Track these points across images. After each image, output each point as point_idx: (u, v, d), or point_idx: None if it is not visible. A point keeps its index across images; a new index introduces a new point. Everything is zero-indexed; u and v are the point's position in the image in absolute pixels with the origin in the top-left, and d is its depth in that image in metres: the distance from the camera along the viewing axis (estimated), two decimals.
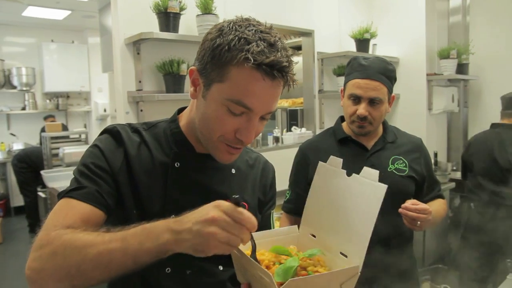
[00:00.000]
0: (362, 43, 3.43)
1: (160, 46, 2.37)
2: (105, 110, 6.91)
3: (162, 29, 2.27)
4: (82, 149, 4.43)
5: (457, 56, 3.70)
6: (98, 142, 0.95)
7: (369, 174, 0.82)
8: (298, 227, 0.98)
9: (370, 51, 3.52)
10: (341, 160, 0.93)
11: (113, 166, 0.91)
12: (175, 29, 2.27)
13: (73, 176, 0.91)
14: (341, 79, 3.40)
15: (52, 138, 4.95)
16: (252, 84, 0.81)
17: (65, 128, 6.03)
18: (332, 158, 0.94)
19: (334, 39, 3.56)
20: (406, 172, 1.55)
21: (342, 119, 1.69)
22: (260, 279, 0.72)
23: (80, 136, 5.43)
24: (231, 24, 0.84)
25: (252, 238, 0.75)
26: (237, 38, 0.81)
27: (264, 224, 1.12)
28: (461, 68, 3.83)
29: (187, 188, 0.94)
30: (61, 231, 0.76)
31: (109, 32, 4.67)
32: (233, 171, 1.03)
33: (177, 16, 2.26)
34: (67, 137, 5.34)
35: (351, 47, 3.52)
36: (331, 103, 3.56)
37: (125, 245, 0.72)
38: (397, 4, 3.73)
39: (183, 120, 1.00)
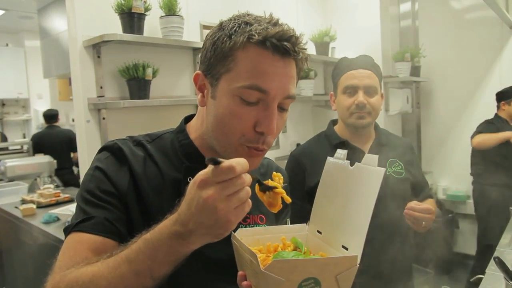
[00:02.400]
0: (322, 46, 3.45)
1: (123, 49, 2.21)
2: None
3: (125, 31, 2.11)
4: (26, 161, 4.08)
5: (411, 59, 3.82)
6: (98, 163, 0.85)
7: (370, 159, 0.78)
8: None
9: (329, 55, 3.54)
10: (346, 151, 0.90)
11: (119, 188, 0.82)
12: (139, 31, 2.13)
13: (76, 204, 0.83)
14: (303, 82, 3.39)
15: None
16: (261, 63, 0.74)
17: (4, 138, 5.55)
18: (338, 151, 0.91)
19: None
20: (403, 175, 1.56)
21: (333, 123, 1.65)
22: (250, 263, 0.67)
23: (22, 147, 5.01)
24: (229, 18, 0.82)
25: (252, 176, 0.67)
26: (237, 24, 0.77)
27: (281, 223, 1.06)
28: (414, 70, 3.97)
29: None
30: (66, 271, 0.69)
31: (51, 34, 4.40)
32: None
33: (142, 17, 2.12)
34: (6, 148, 4.91)
35: (311, 50, 3.52)
36: (293, 106, 3.51)
37: (135, 266, 0.65)
38: (353, 8, 3.79)
39: (192, 131, 0.91)
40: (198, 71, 0.83)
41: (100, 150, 0.88)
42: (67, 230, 0.79)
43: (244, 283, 0.70)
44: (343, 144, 1.58)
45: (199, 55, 0.87)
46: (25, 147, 5.17)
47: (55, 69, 4.30)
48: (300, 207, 1.37)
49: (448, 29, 4.17)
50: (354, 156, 1.54)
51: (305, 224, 0.92)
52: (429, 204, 1.63)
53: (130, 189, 0.82)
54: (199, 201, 0.60)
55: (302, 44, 0.78)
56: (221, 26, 0.80)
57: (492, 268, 1.73)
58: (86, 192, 0.81)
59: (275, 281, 0.62)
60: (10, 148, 5.00)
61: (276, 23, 0.77)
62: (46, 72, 4.46)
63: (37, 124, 6.59)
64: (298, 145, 3.43)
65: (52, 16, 4.45)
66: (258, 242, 0.81)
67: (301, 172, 1.56)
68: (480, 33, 4.00)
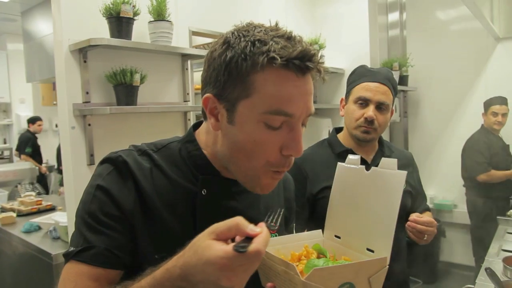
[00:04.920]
0: None
1: (110, 54, 2.15)
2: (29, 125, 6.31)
3: (113, 35, 2.06)
4: (7, 167, 3.96)
5: (399, 68, 3.85)
6: (100, 180, 0.78)
7: (388, 164, 0.81)
8: None
9: None
10: (359, 156, 0.92)
11: (124, 209, 0.76)
12: (128, 35, 2.07)
13: (75, 228, 0.78)
14: None
15: None
16: (286, 86, 0.70)
17: None
18: (350, 157, 0.92)
19: None
20: (404, 187, 1.53)
21: (337, 131, 1.62)
22: (284, 274, 0.68)
23: (2, 153, 4.87)
24: (235, 33, 0.74)
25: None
26: (250, 43, 0.71)
27: (287, 229, 1.04)
28: (402, 79, 3.99)
29: (218, 217, 0.76)
30: None
31: (35, 38, 4.31)
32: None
33: (130, 21, 2.07)
34: None
35: None
36: None
37: None
38: (342, 17, 3.80)
39: (203, 144, 0.84)
40: (208, 95, 0.75)
41: (102, 162, 0.81)
42: (67, 257, 0.74)
43: (269, 285, 0.71)
44: (346, 153, 1.56)
45: (202, 73, 0.79)
46: (6, 153, 5.02)
47: (39, 73, 4.20)
48: (299, 214, 1.36)
49: (435, 39, 4.21)
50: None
51: (320, 230, 0.92)
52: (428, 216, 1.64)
53: (136, 208, 0.77)
54: (215, 276, 0.57)
55: (321, 60, 0.73)
56: (228, 44, 0.73)
57: (481, 278, 1.73)
58: (88, 214, 0.75)
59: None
60: None
61: (290, 37, 0.72)
62: (29, 76, 4.35)
63: (18, 129, 6.43)
64: None
65: (36, 19, 4.36)
66: (279, 252, 0.78)
67: (303, 179, 1.53)
68: (466, 43, 4.05)
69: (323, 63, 0.74)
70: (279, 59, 0.68)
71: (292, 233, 1.05)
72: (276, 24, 0.76)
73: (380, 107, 1.46)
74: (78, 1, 2.09)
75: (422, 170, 4.25)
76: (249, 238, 0.59)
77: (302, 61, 0.69)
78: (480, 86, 4.04)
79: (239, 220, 0.59)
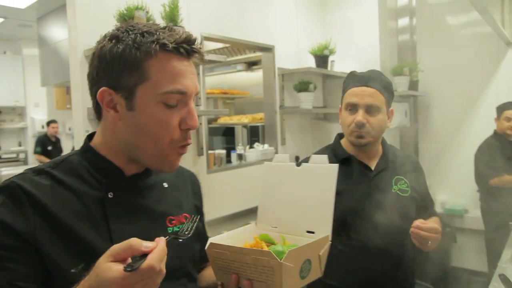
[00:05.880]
0: (322, 59, 3.46)
1: None
2: (42, 127, 6.43)
3: None
4: (21, 170, 4.03)
5: (409, 73, 3.84)
6: None
7: (319, 159, 0.93)
8: None
9: (329, 68, 3.56)
10: (287, 155, 1.00)
11: (23, 236, 0.74)
12: None
13: None
14: (302, 95, 3.40)
15: None
16: (178, 68, 0.80)
17: None
18: (277, 155, 1.00)
19: (292, 54, 3.56)
20: (408, 193, 1.54)
21: (340, 136, 1.64)
22: (254, 261, 0.75)
23: (18, 155, 4.96)
24: (121, 29, 0.82)
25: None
26: (139, 34, 0.79)
27: (204, 231, 1.11)
28: (412, 84, 3.99)
29: (129, 216, 0.86)
30: None
31: (49, 43, 4.40)
32: (165, 185, 0.97)
33: None
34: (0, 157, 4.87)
35: (310, 63, 3.54)
36: (292, 119, 3.54)
37: None
38: (352, 22, 3.82)
39: (101, 148, 0.88)
40: (103, 88, 0.80)
41: None
42: None
43: (246, 282, 0.76)
44: (349, 159, 1.57)
45: (90, 71, 0.85)
46: (21, 156, 5.12)
47: (53, 78, 4.29)
48: None
49: (445, 44, 4.20)
50: (360, 170, 1.54)
51: (254, 223, 1.01)
52: (434, 222, 1.60)
53: (39, 229, 0.76)
54: None
55: (199, 45, 0.84)
56: (117, 38, 0.80)
57: (495, 284, 1.72)
58: None
59: (290, 269, 0.74)
60: (4, 156, 4.92)
61: (171, 29, 0.82)
62: (43, 80, 4.45)
63: (33, 132, 6.55)
64: (297, 158, 3.42)
65: (51, 25, 4.45)
66: (235, 245, 0.87)
67: None
68: (476, 48, 4.04)
69: (201, 47, 0.85)
70: (170, 45, 0.78)
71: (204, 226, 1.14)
72: (154, 21, 0.85)
73: (370, 110, 1.47)
74: (93, 7, 2.15)
75: (432, 175, 4.26)
76: (146, 254, 0.63)
77: (188, 45, 0.80)
78: (491, 91, 4.02)
79: (133, 241, 0.64)
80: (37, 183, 0.80)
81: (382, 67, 3.76)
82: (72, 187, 0.82)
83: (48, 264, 0.76)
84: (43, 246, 0.75)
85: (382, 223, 1.46)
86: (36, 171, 0.83)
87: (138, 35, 0.79)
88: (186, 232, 0.83)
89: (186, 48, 0.80)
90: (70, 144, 6.13)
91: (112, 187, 0.85)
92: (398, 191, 1.52)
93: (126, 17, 2.06)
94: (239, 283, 0.80)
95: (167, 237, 0.70)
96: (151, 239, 0.72)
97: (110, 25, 2.12)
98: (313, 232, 0.89)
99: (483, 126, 3.83)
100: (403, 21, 4.25)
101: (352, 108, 1.50)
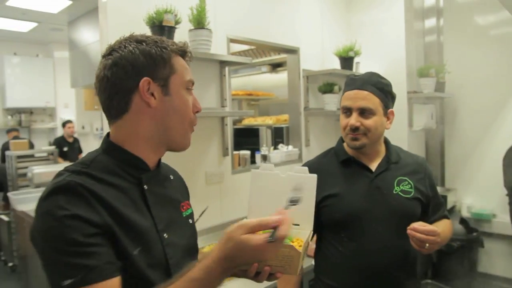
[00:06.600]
0: (347, 61, 3.45)
1: None
2: (63, 126, 6.61)
3: None
4: (52, 168, 4.17)
5: (436, 74, 3.80)
6: (64, 211, 0.80)
7: (301, 170, 1.07)
8: None
9: (354, 69, 3.55)
10: (272, 164, 1.10)
11: (99, 225, 0.83)
12: None
13: (54, 263, 0.81)
14: (326, 97, 3.40)
15: (18, 157, 4.65)
16: (185, 64, 1.03)
17: (31, 145, 5.70)
18: (263, 165, 1.10)
19: (317, 56, 3.57)
20: (412, 194, 1.52)
21: (342, 139, 1.65)
22: (277, 252, 0.87)
23: (52, 154, 5.12)
24: (134, 41, 0.97)
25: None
26: (155, 41, 0.98)
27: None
28: (439, 86, 3.94)
29: (161, 204, 1.01)
30: None
31: (79, 46, 4.54)
32: (172, 177, 1.14)
33: (172, 30, 2.17)
34: (32, 155, 5.03)
35: (335, 64, 3.54)
36: (316, 120, 3.55)
37: None
38: (377, 23, 3.80)
39: (124, 142, 0.97)
40: (145, 78, 0.94)
41: (52, 193, 0.83)
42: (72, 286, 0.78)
43: (266, 268, 0.87)
44: (349, 161, 1.58)
45: (122, 71, 0.95)
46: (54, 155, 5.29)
47: (82, 79, 4.43)
48: None
49: (473, 45, 4.12)
50: (360, 172, 1.55)
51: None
52: (444, 225, 1.59)
53: (107, 218, 0.84)
54: (256, 256, 0.82)
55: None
56: (141, 44, 0.96)
57: None
58: (70, 245, 0.79)
59: (301, 255, 0.90)
60: (36, 155, 5.10)
61: (164, 40, 1.01)
62: (73, 82, 4.59)
63: (62, 132, 6.75)
64: None
65: (81, 29, 4.60)
66: None
67: None
68: (505, 49, 3.94)
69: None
70: (183, 51, 1.02)
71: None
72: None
73: (363, 112, 1.49)
74: (123, 11, 2.21)
75: (459, 178, 4.19)
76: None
77: (187, 50, 1.03)
78: None
79: (264, 218, 0.82)
80: (85, 180, 0.86)
81: (408, 68, 3.72)
82: (113, 183, 0.91)
83: (119, 248, 0.85)
84: (115, 232, 0.85)
85: (381, 224, 1.46)
86: (74, 171, 0.89)
87: (155, 42, 0.97)
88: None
89: (187, 52, 1.03)
90: (97, 144, 6.27)
91: (146, 180, 0.97)
92: (400, 192, 1.51)
93: (156, 21, 2.13)
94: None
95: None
96: (176, 222, 1.03)
97: (139, 28, 2.21)
98: (298, 225, 1.03)
99: None
100: (430, 22, 4.21)
101: (347, 111, 1.53)
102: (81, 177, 0.87)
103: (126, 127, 0.96)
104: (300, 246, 0.93)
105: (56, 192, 0.83)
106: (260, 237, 0.79)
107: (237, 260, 0.81)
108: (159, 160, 1.05)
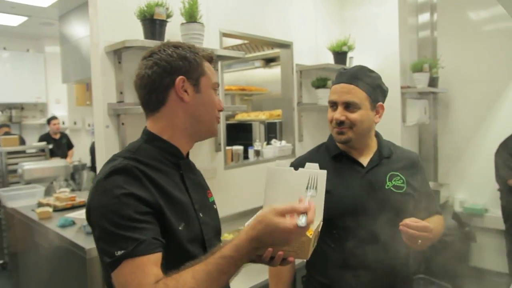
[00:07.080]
0: (340, 55, 3.44)
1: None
2: (63, 123, 6.55)
3: (146, 37, 2.13)
4: (43, 165, 4.13)
5: (429, 69, 3.79)
6: (122, 189, 0.94)
7: (312, 166, 1.15)
8: None
9: (347, 64, 3.53)
10: (285, 161, 1.18)
11: (151, 204, 0.96)
12: (161, 37, 2.14)
13: (109, 235, 0.92)
14: (320, 92, 3.39)
15: (8, 153, 4.59)
16: (213, 70, 1.17)
17: (22, 141, 5.62)
18: (278, 161, 1.18)
19: (310, 51, 3.55)
20: (404, 189, 1.50)
21: None
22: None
23: (43, 150, 5.05)
24: (172, 47, 1.11)
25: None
26: (189, 48, 1.12)
27: None
28: (432, 81, 3.93)
29: (195, 188, 1.16)
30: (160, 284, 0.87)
31: (70, 40, 4.47)
32: (196, 166, 1.27)
33: (163, 23, 2.14)
34: (23, 151, 4.97)
35: (328, 59, 3.52)
36: (309, 115, 3.53)
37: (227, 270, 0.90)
38: (371, 18, 3.79)
39: (163, 133, 1.12)
40: (181, 76, 1.08)
41: (112, 174, 0.97)
42: (121, 258, 0.89)
43: (280, 253, 0.94)
44: (341, 156, 1.56)
45: (161, 70, 1.09)
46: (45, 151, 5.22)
47: (73, 75, 4.35)
48: None
49: (466, 40, 4.12)
50: (352, 167, 1.53)
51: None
52: (436, 221, 1.58)
53: (157, 197, 0.98)
54: (285, 237, 0.89)
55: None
56: (179, 49, 1.10)
57: None
58: (125, 220, 0.91)
59: (312, 241, 0.98)
60: (27, 151, 5.04)
61: (191, 47, 1.14)
62: (64, 77, 4.52)
63: None
64: None
65: (72, 23, 4.52)
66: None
67: None
68: (498, 44, 3.95)
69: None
70: (211, 57, 1.16)
71: None
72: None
73: (348, 106, 1.48)
74: (114, 5, 2.18)
75: (452, 173, 4.21)
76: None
77: (213, 57, 1.18)
78: None
79: (294, 204, 0.90)
80: (137, 164, 1.00)
81: (401, 63, 3.72)
82: (158, 167, 1.06)
83: (166, 224, 0.98)
84: (164, 211, 0.98)
85: (373, 220, 1.45)
86: (126, 157, 1.03)
87: (189, 48, 1.11)
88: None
89: (212, 58, 1.17)
90: (90, 140, 6.22)
91: (184, 166, 1.14)
92: (392, 187, 1.49)
93: (147, 14, 2.09)
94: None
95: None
96: (206, 205, 1.18)
97: (130, 22, 2.17)
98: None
99: (504, 124, 3.76)
100: (424, 17, 4.20)
101: (333, 105, 1.52)
102: (133, 162, 1.00)
103: (163, 119, 1.11)
104: (311, 233, 0.97)
105: (115, 173, 0.97)
106: (292, 221, 0.86)
107: (266, 241, 0.89)
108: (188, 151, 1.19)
